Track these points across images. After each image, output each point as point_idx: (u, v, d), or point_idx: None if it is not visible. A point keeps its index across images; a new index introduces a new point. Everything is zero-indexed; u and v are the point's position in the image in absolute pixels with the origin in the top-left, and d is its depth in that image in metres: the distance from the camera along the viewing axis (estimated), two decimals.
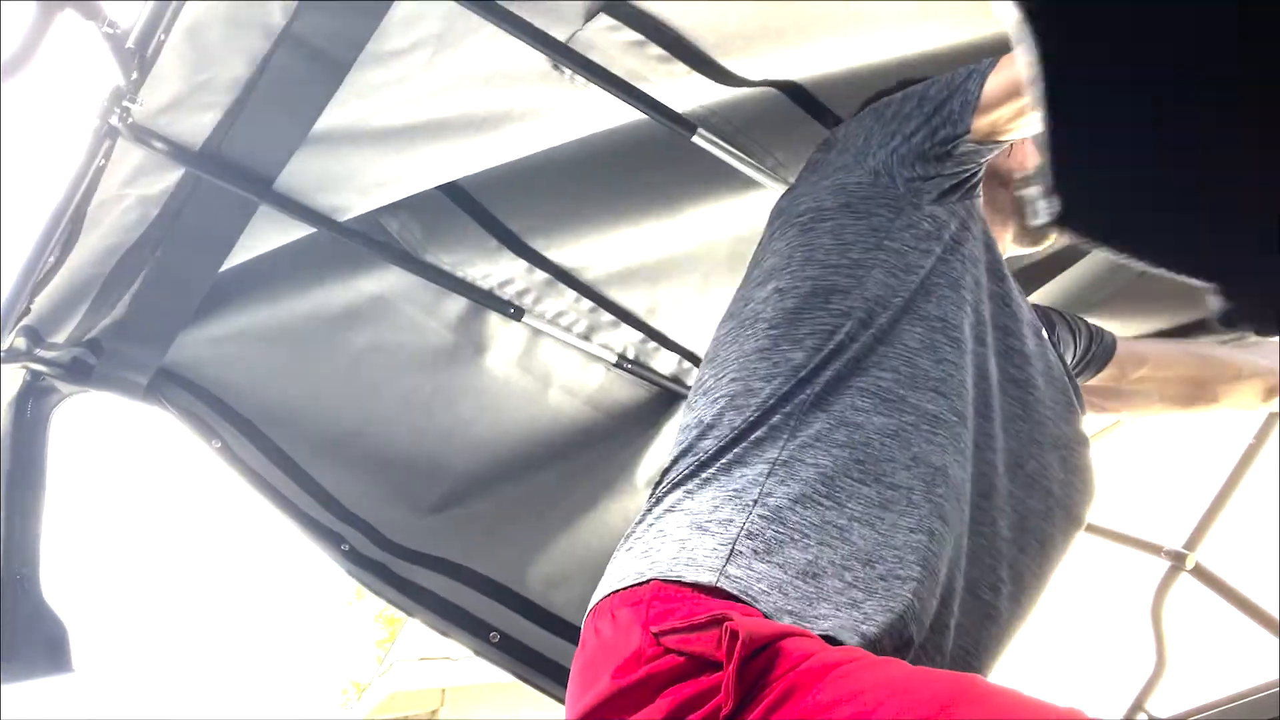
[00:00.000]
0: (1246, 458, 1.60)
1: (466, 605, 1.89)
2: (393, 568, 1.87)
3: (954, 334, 1.15)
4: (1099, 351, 1.55)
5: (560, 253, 1.79)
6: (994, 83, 1.18)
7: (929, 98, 1.23)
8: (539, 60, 1.39)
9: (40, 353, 1.58)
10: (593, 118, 1.51)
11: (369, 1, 1.28)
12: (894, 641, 0.96)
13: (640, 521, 1.09)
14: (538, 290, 1.82)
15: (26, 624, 1.54)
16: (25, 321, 1.51)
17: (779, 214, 1.29)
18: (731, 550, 0.96)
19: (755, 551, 0.96)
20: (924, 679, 0.82)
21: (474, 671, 5.97)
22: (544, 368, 1.91)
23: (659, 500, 1.09)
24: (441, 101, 1.43)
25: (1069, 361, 1.48)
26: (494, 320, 1.84)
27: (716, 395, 1.14)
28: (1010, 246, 1.42)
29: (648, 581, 0.96)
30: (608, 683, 0.90)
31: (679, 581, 0.94)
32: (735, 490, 1.03)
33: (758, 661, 0.84)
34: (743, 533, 0.98)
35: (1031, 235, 1.42)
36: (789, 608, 0.94)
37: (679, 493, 1.07)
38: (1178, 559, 1.62)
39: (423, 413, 1.89)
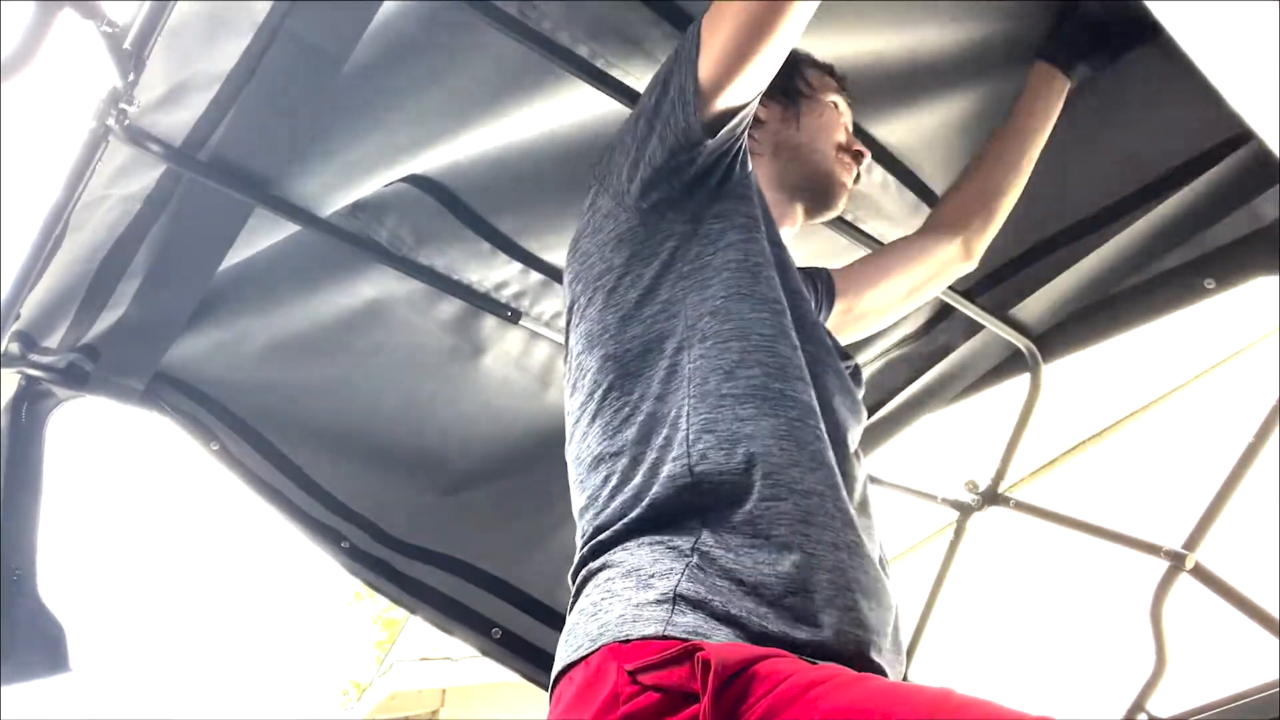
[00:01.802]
0: (1246, 457, 1.60)
1: (468, 601, 1.89)
2: (394, 564, 1.86)
3: (790, 318, 1.13)
4: (825, 291, 1.54)
5: (554, 254, 1.78)
6: (708, 60, 1.11)
7: (649, 108, 1.17)
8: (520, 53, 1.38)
9: (34, 358, 1.58)
10: (569, 105, 1.49)
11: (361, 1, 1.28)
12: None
13: (585, 581, 1.07)
14: (533, 292, 1.81)
15: (24, 625, 1.54)
16: (16, 326, 1.51)
17: (576, 277, 1.23)
18: (674, 598, 0.95)
19: (699, 596, 0.96)
20: (900, 694, 0.82)
21: (474, 672, 5.97)
22: (542, 367, 1.91)
23: (597, 556, 1.07)
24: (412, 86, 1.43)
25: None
26: (490, 321, 1.83)
27: (600, 478, 1.10)
28: (802, 220, 1.41)
29: (600, 648, 0.95)
30: None
31: (627, 640, 0.93)
32: (671, 543, 1.01)
33: (733, 688, 0.83)
34: (683, 579, 0.97)
35: (825, 204, 1.40)
36: (747, 635, 0.94)
37: (617, 551, 1.04)
38: (1177, 559, 1.62)
39: (423, 412, 1.89)
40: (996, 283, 1.87)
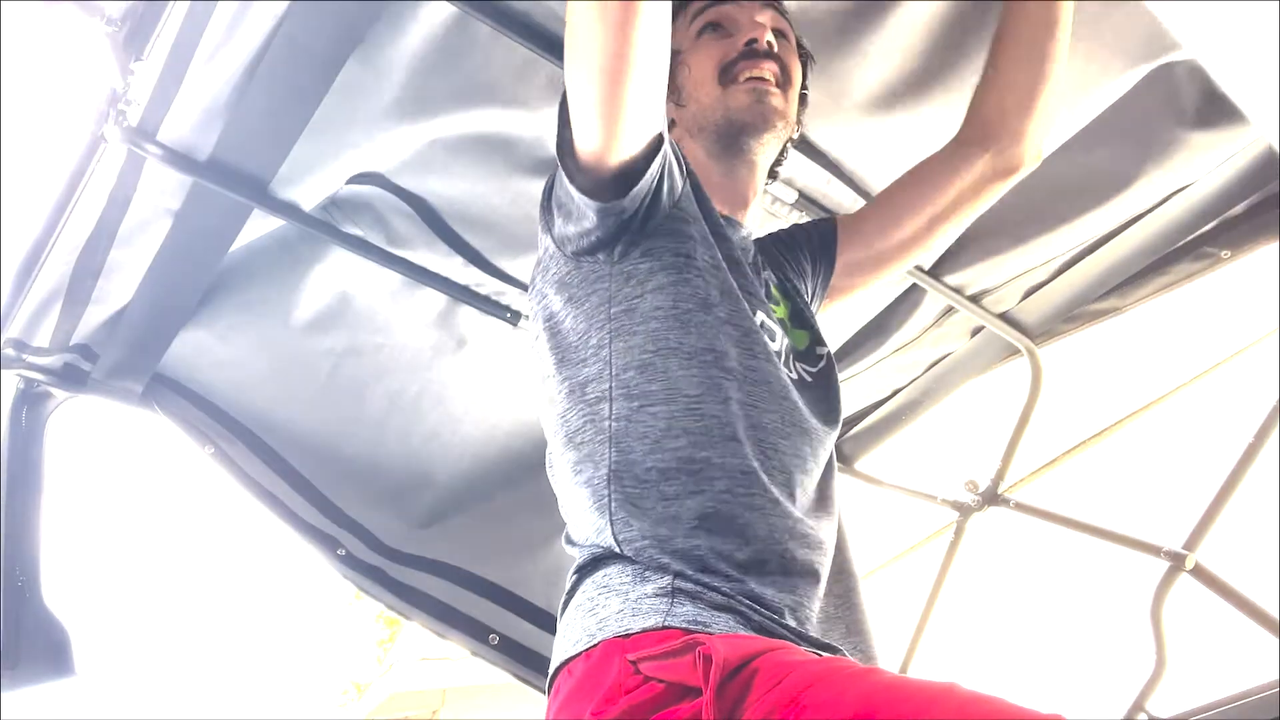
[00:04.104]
0: (1246, 457, 1.60)
1: (465, 608, 1.89)
2: (389, 572, 1.86)
3: (726, 363, 1.08)
4: (824, 255, 1.41)
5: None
6: (580, 134, 1.05)
7: (549, 182, 1.15)
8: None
9: (31, 359, 1.58)
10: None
11: (361, 1, 1.28)
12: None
13: (580, 580, 1.07)
14: (511, 292, 1.77)
15: (28, 630, 1.54)
16: (9, 331, 1.51)
17: (535, 314, 1.21)
18: (673, 591, 0.95)
19: (695, 589, 0.96)
20: (905, 688, 0.81)
21: (474, 672, 5.97)
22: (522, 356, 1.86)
23: (594, 566, 1.06)
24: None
25: (804, 294, 1.36)
26: (472, 313, 1.79)
27: (579, 519, 1.10)
28: (762, 164, 1.29)
29: (601, 643, 0.95)
30: None
31: (628, 634, 0.93)
32: (658, 560, 1.01)
33: (735, 683, 0.83)
34: (678, 575, 0.97)
35: (750, 135, 1.24)
36: (749, 624, 0.94)
37: (608, 562, 1.05)
38: (1177, 559, 1.62)
39: (410, 412, 1.87)
40: (997, 283, 1.87)
